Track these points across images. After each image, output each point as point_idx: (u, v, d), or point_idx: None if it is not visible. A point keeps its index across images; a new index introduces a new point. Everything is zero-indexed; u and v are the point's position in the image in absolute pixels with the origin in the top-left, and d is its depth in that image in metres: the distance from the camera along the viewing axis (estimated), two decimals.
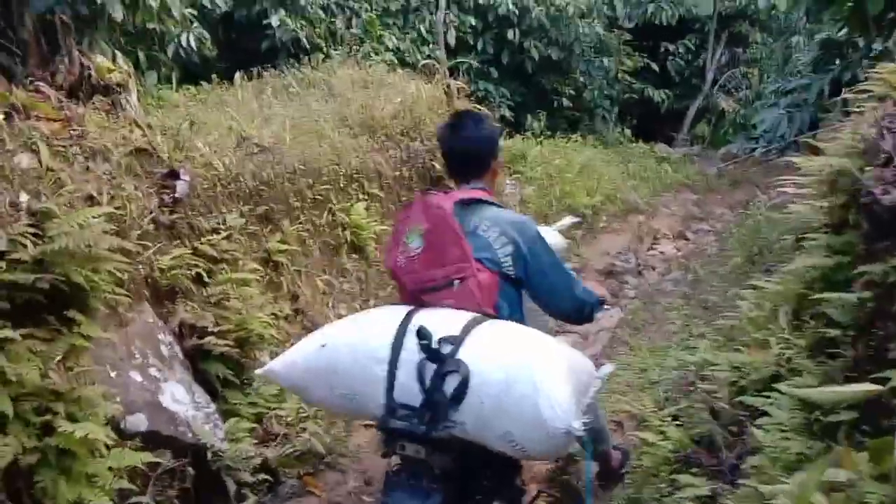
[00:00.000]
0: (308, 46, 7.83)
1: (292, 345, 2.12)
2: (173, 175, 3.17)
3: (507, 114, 9.92)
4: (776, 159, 8.92)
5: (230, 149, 3.87)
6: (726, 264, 5.71)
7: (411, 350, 1.81)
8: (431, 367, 1.77)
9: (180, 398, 2.54)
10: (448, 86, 5.62)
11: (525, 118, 10.43)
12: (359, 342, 1.91)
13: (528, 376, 1.71)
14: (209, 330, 2.89)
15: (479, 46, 9.91)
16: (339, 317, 3.94)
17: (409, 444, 1.83)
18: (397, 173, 5.05)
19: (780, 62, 11.36)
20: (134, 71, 4.30)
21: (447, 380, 1.75)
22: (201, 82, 6.43)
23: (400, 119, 5.31)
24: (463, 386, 1.73)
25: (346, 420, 3.22)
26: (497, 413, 1.72)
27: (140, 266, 2.77)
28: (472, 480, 1.96)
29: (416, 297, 1.98)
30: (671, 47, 11.84)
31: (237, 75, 6.31)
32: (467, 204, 2.11)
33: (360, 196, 4.61)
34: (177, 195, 3.14)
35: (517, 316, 2.09)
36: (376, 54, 8.26)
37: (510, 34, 9.81)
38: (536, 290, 2.15)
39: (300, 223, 4.04)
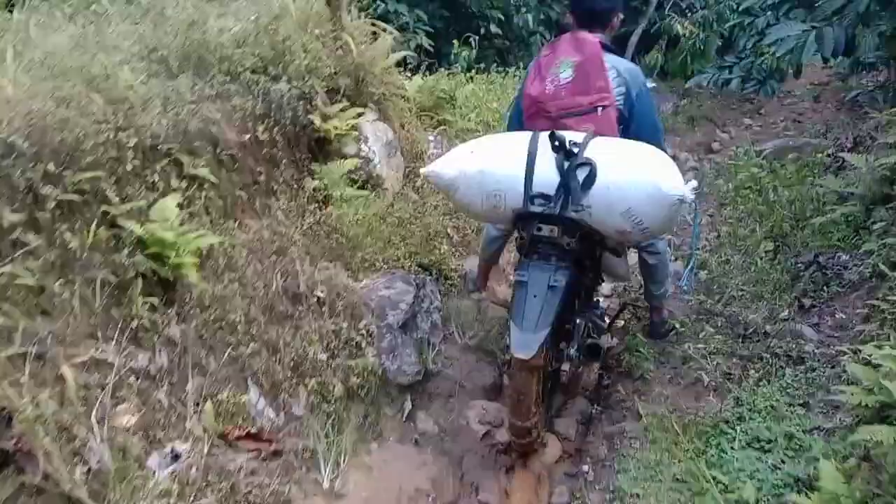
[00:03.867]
0: None
1: None
2: None
3: (426, 42, 7.83)
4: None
5: None
6: (740, 248, 4.03)
7: (545, 151, 2.26)
8: (564, 163, 2.22)
9: None
10: None
11: (448, 49, 8.43)
12: (501, 148, 2.40)
13: (646, 162, 2.22)
14: None
15: None
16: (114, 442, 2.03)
17: (545, 225, 2.29)
18: (247, 136, 3.05)
19: None
20: None
21: (578, 171, 2.20)
22: None
23: (252, 46, 3.27)
24: (591, 174, 2.18)
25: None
26: (621, 194, 2.16)
27: None
28: (582, 275, 2.49)
29: (557, 122, 2.36)
30: None
31: None
32: None
33: (171, 184, 2.61)
34: None
35: None
36: None
37: None
38: (633, 129, 2.50)
39: (29, 254, 2.04)
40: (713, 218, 4.92)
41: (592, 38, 2.45)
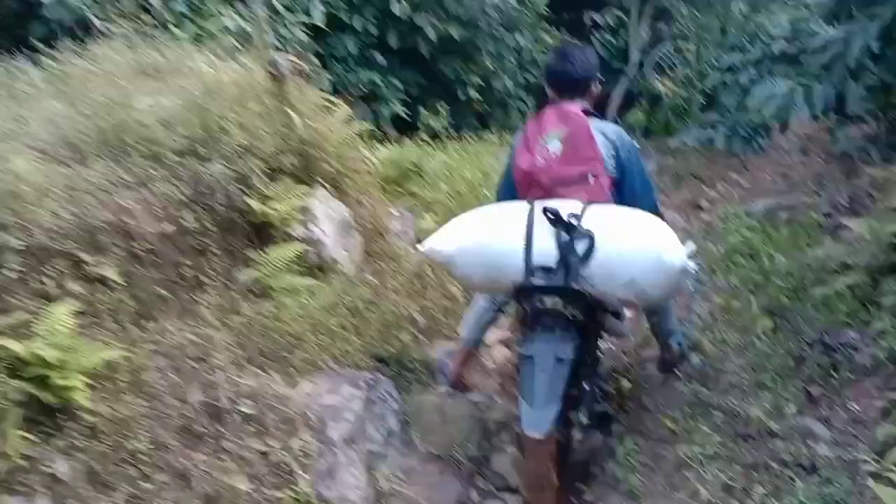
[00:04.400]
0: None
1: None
2: None
3: (401, 111, 7.65)
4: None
5: None
6: (735, 324, 3.65)
7: (542, 225, 2.25)
8: (563, 236, 2.21)
9: None
10: (274, 64, 3.30)
11: (426, 116, 8.29)
12: (499, 220, 2.39)
13: (645, 231, 2.23)
14: None
15: (357, 25, 7.57)
16: None
17: (548, 297, 2.24)
18: (170, 226, 2.70)
19: (718, 32, 9.62)
20: None
21: (577, 243, 2.19)
22: None
23: (180, 125, 2.96)
24: (591, 246, 2.18)
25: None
26: (622, 265, 2.18)
27: None
28: (588, 342, 2.40)
29: (550, 191, 2.35)
30: (597, 18, 9.82)
31: None
32: None
33: (67, 288, 2.25)
34: None
35: None
36: (207, 37, 5.81)
37: (395, 7, 7.51)
38: (626, 190, 2.49)
39: None
40: (704, 287, 4.55)
41: (576, 110, 2.45)
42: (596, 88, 2.66)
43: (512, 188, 2.53)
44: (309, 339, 2.83)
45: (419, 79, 8.46)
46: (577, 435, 2.42)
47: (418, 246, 2.52)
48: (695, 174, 8.85)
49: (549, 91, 2.65)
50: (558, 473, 2.34)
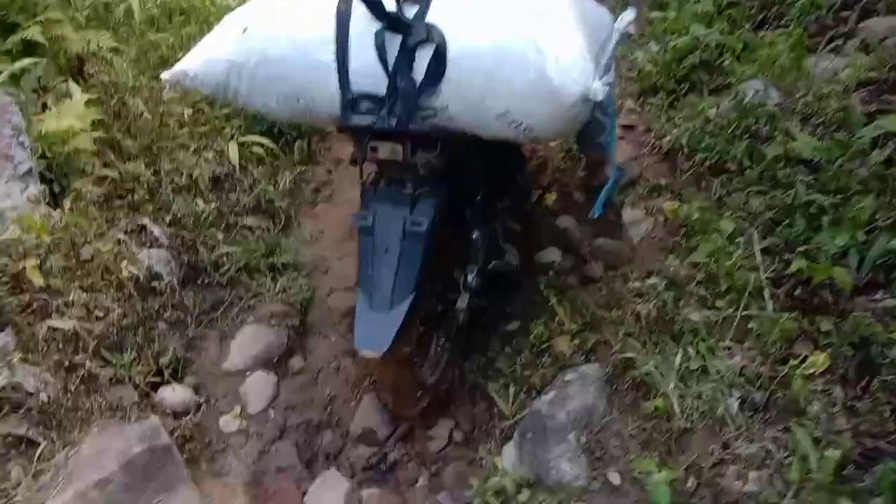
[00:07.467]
0: None
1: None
2: None
3: None
4: None
5: None
6: (714, 299, 1.87)
7: (364, 20, 1.38)
8: (394, 39, 1.36)
9: None
10: None
11: None
12: (292, 19, 1.45)
13: (526, 33, 1.33)
14: None
15: None
16: None
17: (382, 143, 1.48)
18: None
19: None
20: None
21: (417, 54, 1.36)
22: None
23: None
24: (439, 59, 1.35)
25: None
26: (490, 88, 1.35)
27: None
28: (468, 178, 1.68)
29: None
30: None
31: None
32: None
33: None
34: None
35: None
36: None
37: None
38: None
39: None
40: (627, 177, 2.55)
41: None
42: None
43: None
44: None
45: None
46: (461, 303, 1.74)
47: (163, 75, 1.52)
48: None
49: None
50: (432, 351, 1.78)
